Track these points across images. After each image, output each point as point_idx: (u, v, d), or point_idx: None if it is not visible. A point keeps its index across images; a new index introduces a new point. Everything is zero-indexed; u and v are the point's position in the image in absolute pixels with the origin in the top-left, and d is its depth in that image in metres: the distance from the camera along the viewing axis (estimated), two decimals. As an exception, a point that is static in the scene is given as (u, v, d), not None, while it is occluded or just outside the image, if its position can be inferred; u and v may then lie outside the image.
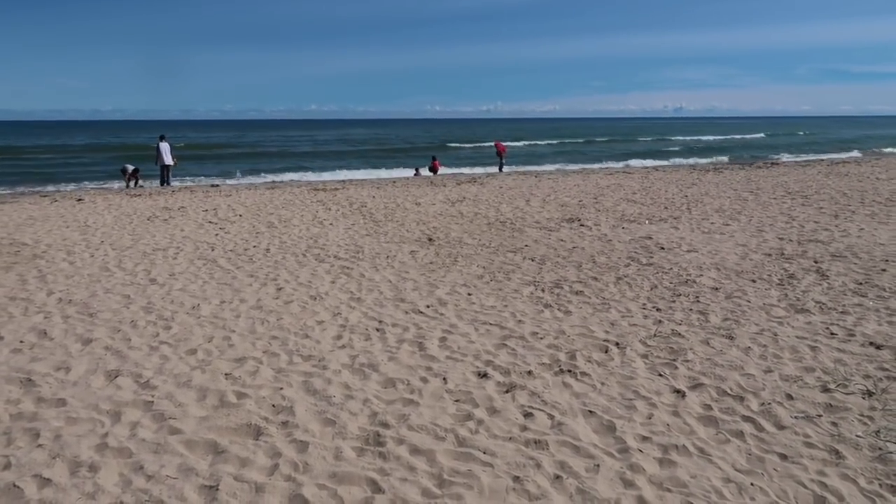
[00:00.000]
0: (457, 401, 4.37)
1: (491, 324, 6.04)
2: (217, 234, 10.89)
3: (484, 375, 4.78)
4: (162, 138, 21.60)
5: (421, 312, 6.42)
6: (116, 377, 4.75)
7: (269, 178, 28.17)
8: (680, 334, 5.70)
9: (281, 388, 4.55)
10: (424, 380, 4.70)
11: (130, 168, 22.27)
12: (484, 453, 3.65)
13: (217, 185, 20.30)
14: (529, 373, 4.82)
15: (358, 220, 12.51)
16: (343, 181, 22.23)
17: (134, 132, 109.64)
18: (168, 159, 21.13)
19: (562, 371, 4.87)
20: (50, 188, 22.62)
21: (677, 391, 4.51)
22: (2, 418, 4.09)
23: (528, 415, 4.14)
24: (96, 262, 8.74)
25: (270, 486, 3.33)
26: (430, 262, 8.73)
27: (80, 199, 16.09)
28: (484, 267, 8.43)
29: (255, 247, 9.85)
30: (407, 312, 6.43)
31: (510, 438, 3.83)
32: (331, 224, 11.98)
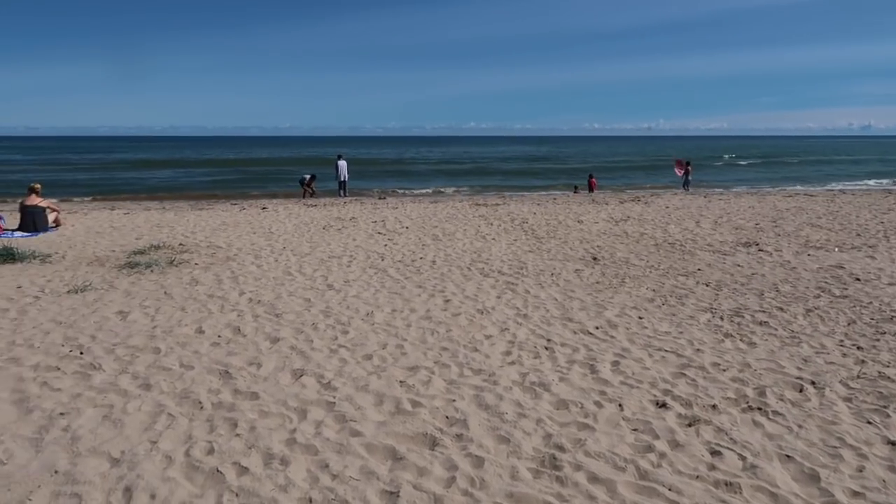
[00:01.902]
0: (635, 430, 4.16)
1: (666, 350, 5.72)
2: (386, 245, 11.35)
3: (663, 405, 4.52)
4: (339, 157, 23.42)
5: (590, 333, 6.23)
6: (301, 376, 5.05)
7: (431, 192, 29.07)
8: (889, 378, 5.05)
9: (453, 401, 4.59)
10: (599, 404, 4.53)
11: (307, 177, 24.10)
12: (669, 490, 3.42)
13: (384, 198, 21.27)
14: (714, 407, 4.49)
15: (520, 235, 12.51)
16: (503, 196, 22.40)
17: (309, 147, 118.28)
18: (345, 175, 22.78)
19: (750, 408, 4.48)
20: (238, 198, 24.89)
21: (892, 443, 3.98)
22: (205, 406, 4.48)
23: (715, 453, 3.83)
24: (280, 266, 9.42)
25: (448, 498, 3.34)
26: (597, 282, 8.49)
27: (264, 208, 17.53)
28: (654, 290, 8.05)
29: (421, 258, 10.14)
30: (575, 332, 6.27)
31: (697, 477, 3.56)
32: (493, 239, 12.07)
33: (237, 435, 4.02)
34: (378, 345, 5.85)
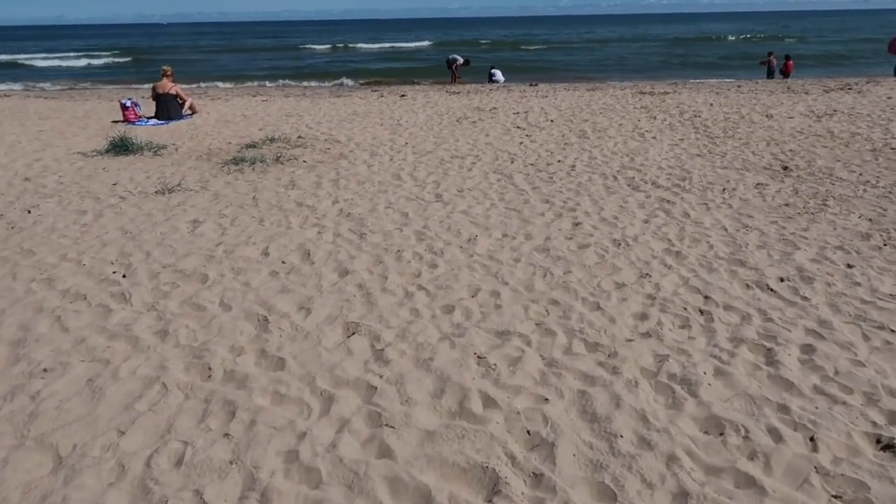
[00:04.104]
0: (837, 497, 2.48)
1: (894, 331, 3.78)
2: (521, 143, 9.68)
3: (890, 447, 2.75)
4: (493, 68, 21.83)
5: (770, 290, 4.37)
6: (353, 334, 3.81)
7: (587, 82, 26.25)
8: None
9: (546, 400, 3.12)
10: (776, 434, 2.85)
11: (460, 59, 22.33)
12: None
13: (535, 85, 19.15)
14: None
15: (688, 133, 10.22)
16: (674, 84, 19.35)
17: (478, 29, 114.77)
18: (500, 82, 20.98)
19: None
20: (385, 84, 23.88)
21: None
22: (214, 374, 3.39)
23: None
24: (392, 168, 8.17)
25: None
26: (785, 204, 6.36)
27: (402, 96, 16.26)
28: (870, 220, 5.82)
29: (559, 161, 8.41)
30: (748, 286, 4.43)
31: None
32: (653, 137, 9.93)
33: (226, 435, 2.88)
34: (468, 290, 4.44)
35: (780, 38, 55.31)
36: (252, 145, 9.59)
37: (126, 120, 12.30)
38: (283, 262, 4.99)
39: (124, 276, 4.74)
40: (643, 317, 4.01)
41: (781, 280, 4.53)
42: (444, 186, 7.22)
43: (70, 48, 59.41)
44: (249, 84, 25.71)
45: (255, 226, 5.90)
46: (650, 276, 4.63)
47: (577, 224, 5.83)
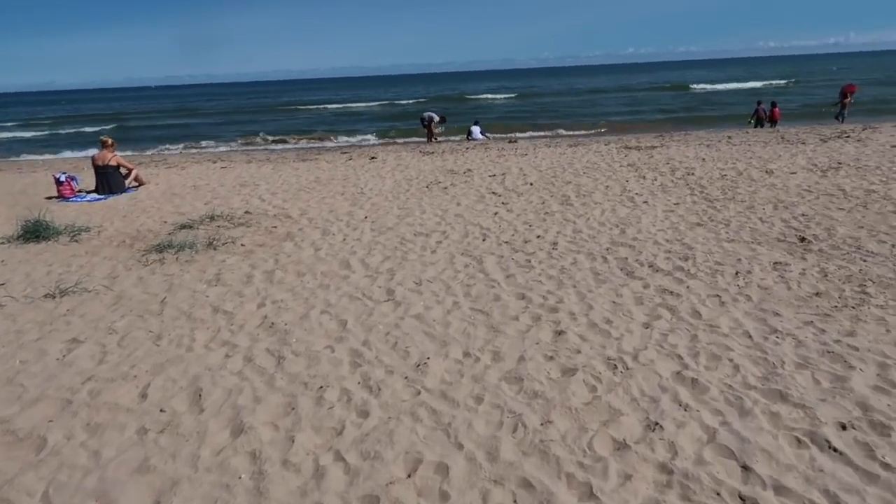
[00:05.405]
0: None
1: None
2: (496, 213, 8.48)
3: None
4: (476, 123, 21.55)
5: (834, 450, 3.07)
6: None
7: (570, 135, 25.49)
8: None
9: None
10: None
11: (437, 117, 21.44)
12: None
13: (514, 142, 18.17)
14: None
15: (683, 195, 9.08)
16: (661, 136, 18.42)
17: (461, 82, 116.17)
18: (478, 139, 20.28)
19: None
20: (352, 140, 22.92)
21: None
22: None
23: None
24: (343, 252, 6.92)
25: None
26: (816, 294, 5.12)
27: (372, 158, 15.18)
28: (930, 315, 4.58)
29: (538, 237, 7.19)
30: (800, 441, 3.13)
31: None
32: (645, 202, 8.77)
33: None
34: (405, 461, 3.12)
35: (763, 85, 55.39)
36: (187, 225, 8.33)
37: (61, 196, 11.06)
38: (161, 411, 3.67)
39: (-69, 445, 3.40)
40: (658, 511, 2.70)
41: (844, 428, 3.24)
42: (399, 277, 5.97)
43: (51, 115, 58.59)
44: (219, 148, 24.70)
45: (148, 346, 4.59)
46: (661, 426, 3.33)
47: (559, 333, 4.56)
